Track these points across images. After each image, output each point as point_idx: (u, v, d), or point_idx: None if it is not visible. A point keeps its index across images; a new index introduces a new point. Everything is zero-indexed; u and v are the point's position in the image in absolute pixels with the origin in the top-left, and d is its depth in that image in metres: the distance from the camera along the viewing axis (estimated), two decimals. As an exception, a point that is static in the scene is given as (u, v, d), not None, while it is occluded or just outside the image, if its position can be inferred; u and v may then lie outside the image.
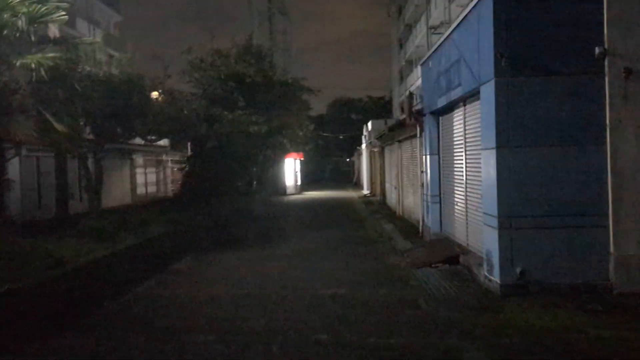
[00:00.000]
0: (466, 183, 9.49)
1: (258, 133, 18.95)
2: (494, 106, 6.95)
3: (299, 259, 10.60)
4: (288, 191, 31.79)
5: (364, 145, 32.56)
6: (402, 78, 49.61)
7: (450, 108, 10.38)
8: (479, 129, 8.74)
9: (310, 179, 43.84)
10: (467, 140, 9.42)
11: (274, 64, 23.97)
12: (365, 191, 31.74)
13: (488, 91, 7.20)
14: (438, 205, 11.75)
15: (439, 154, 11.69)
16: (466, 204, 9.51)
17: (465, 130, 9.49)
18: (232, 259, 10.85)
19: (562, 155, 6.87)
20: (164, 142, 24.09)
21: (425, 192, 12.39)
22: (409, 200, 16.25)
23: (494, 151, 7.04)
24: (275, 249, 11.92)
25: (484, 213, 7.56)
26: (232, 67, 18.23)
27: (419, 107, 12.34)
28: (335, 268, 9.59)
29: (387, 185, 22.54)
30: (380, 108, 60.58)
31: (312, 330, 6.01)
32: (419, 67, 14.90)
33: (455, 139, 10.30)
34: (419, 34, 38.52)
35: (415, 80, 39.75)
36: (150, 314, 7.01)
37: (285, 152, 32.70)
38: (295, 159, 32.90)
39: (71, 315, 6.73)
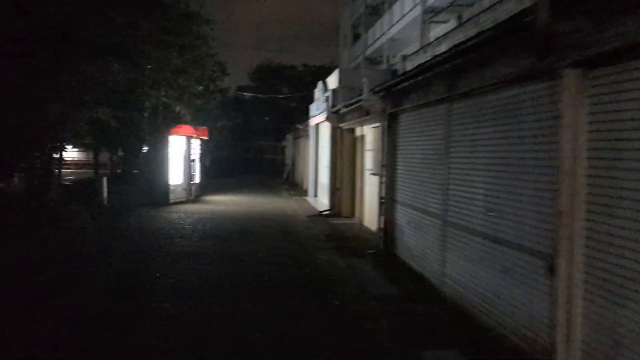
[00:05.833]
0: None
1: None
2: None
3: None
4: (173, 197, 16.90)
5: (317, 118, 18.46)
6: (355, 36, 36.09)
7: None
8: None
9: (219, 173, 29.20)
10: None
11: None
12: (315, 200, 17.89)
13: None
14: None
15: None
16: None
17: None
18: None
19: None
20: None
21: None
22: None
23: None
24: None
25: None
26: None
27: None
28: None
29: (401, 210, 8.70)
30: (320, 79, 47.03)
31: None
32: None
33: None
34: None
35: (388, 28, 26.16)
36: None
37: (171, 123, 18.05)
38: (191, 137, 18.14)
39: None
